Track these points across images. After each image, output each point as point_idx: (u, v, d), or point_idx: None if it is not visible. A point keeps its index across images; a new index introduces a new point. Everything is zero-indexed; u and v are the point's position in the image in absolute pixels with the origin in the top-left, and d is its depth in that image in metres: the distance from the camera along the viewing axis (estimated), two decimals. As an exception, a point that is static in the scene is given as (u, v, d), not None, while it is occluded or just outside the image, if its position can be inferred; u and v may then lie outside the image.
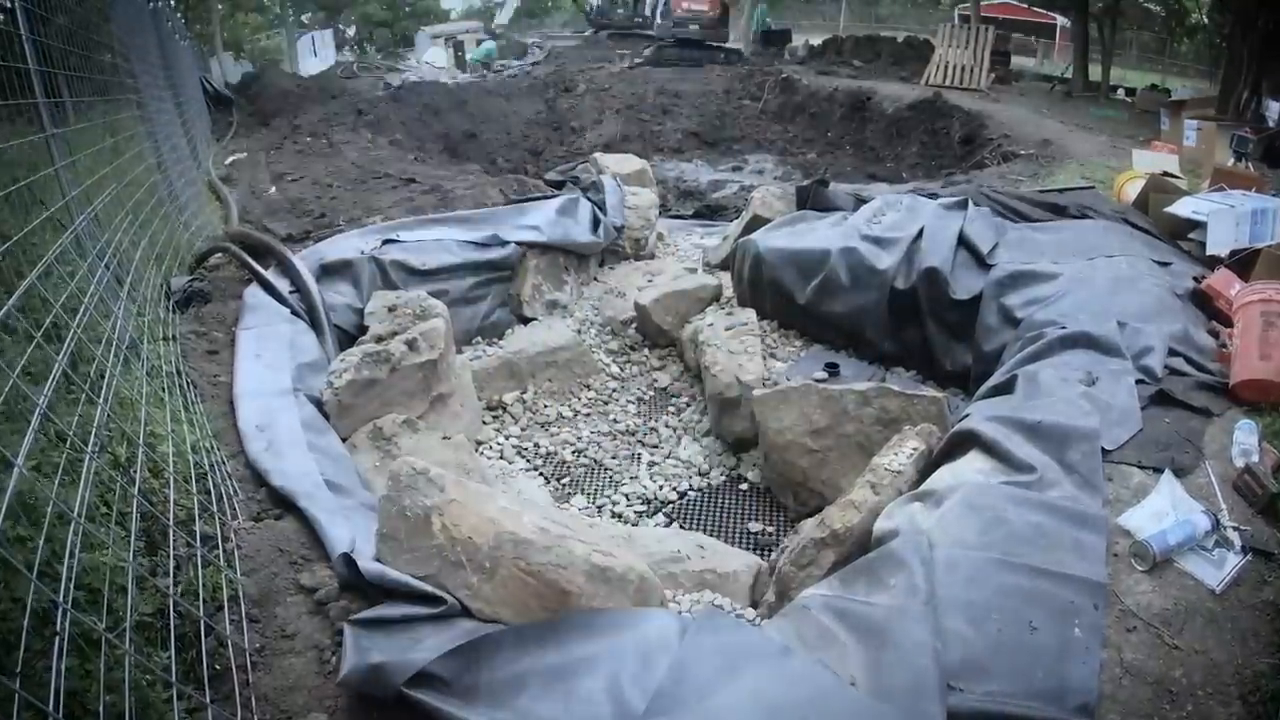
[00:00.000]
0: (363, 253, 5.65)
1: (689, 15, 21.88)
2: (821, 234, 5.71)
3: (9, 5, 3.41)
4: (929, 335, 5.06)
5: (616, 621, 2.43)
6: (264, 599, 2.60)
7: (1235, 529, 2.78)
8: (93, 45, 4.73)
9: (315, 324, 4.85)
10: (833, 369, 4.73)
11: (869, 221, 5.64)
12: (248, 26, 26.46)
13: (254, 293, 4.90)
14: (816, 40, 23.67)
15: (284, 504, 3.08)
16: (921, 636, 2.35)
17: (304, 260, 5.35)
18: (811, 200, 6.54)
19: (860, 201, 6.41)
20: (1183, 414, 3.45)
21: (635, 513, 4.55)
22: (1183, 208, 5.62)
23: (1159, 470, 3.08)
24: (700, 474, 4.84)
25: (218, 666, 2.27)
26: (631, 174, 7.94)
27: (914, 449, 3.59)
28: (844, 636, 2.48)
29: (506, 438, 5.17)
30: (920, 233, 5.27)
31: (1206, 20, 20.94)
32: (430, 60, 28.11)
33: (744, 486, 4.73)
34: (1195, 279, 4.64)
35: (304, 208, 7.56)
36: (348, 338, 4.95)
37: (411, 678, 2.18)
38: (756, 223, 6.51)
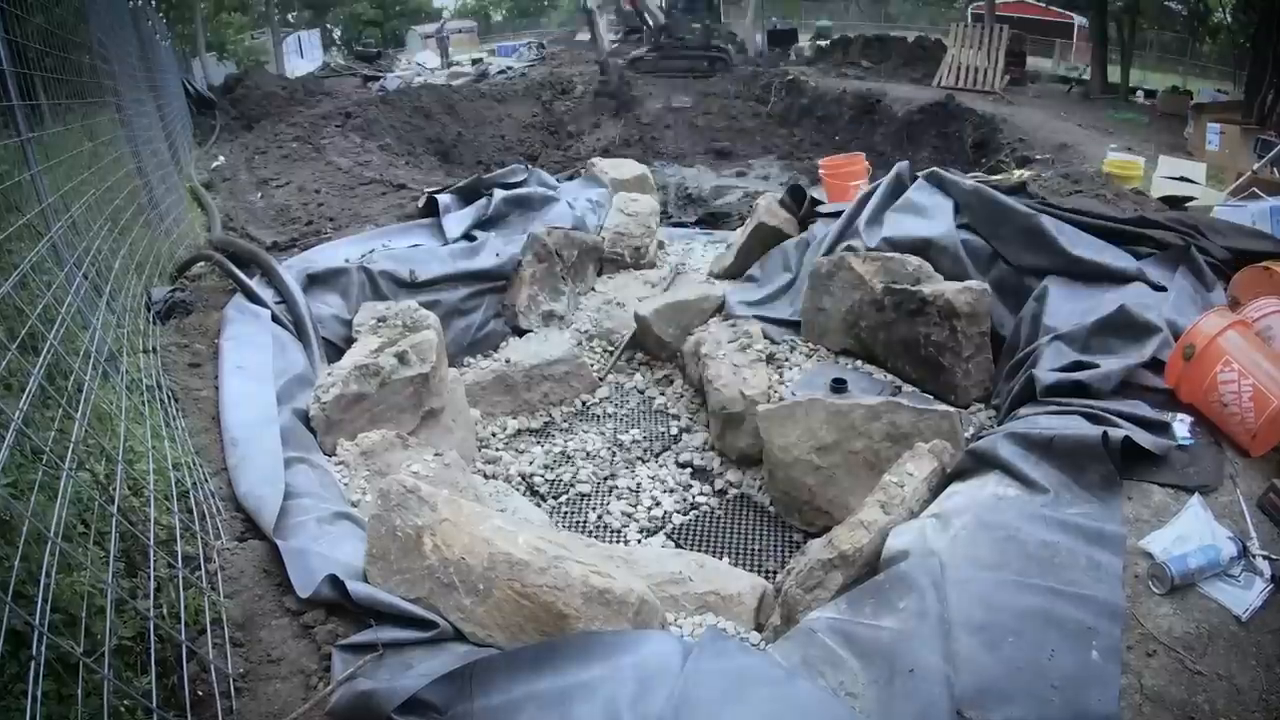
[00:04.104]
0: (348, 261, 5.68)
1: None
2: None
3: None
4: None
5: (615, 645, 2.44)
6: (248, 622, 2.61)
7: (1265, 558, 2.78)
8: (70, 46, 4.76)
9: (302, 336, 4.87)
10: (840, 385, 4.74)
11: None
12: (231, 26, 26.54)
13: (238, 303, 4.92)
14: (824, 40, 23.79)
15: (268, 523, 3.09)
16: (932, 661, 2.36)
17: (290, 270, 5.37)
18: (806, 210, 6.61)
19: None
20: (1207, 427, 3.45)
21: (635, 532, 4.55)
22: None
23: (1180, 488, 3.09)
24: (702, 492, 4.85)
25: (200, 692, 2.27)
26: (631, 180, 7.98)
27: (926, 467, 3.60)
28: (852, 661, 2.49)
29: (500, 454, 5.18)
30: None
31: (1230, 20, 21.04)
32: (421, 61, 28.25)
33: (748, 506, 4.74)
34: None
35: (290, 215, 7.61)
36: (335, 350, 4.97)
37: (402, 704, 2.19)
38: (761, 231, 6.54)
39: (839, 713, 2.29)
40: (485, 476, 4.86)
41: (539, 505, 4.71)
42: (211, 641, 2.43)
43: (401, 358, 4.39)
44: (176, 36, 18.25)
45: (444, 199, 6.83)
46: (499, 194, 6.93)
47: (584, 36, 27.61)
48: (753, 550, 4.43)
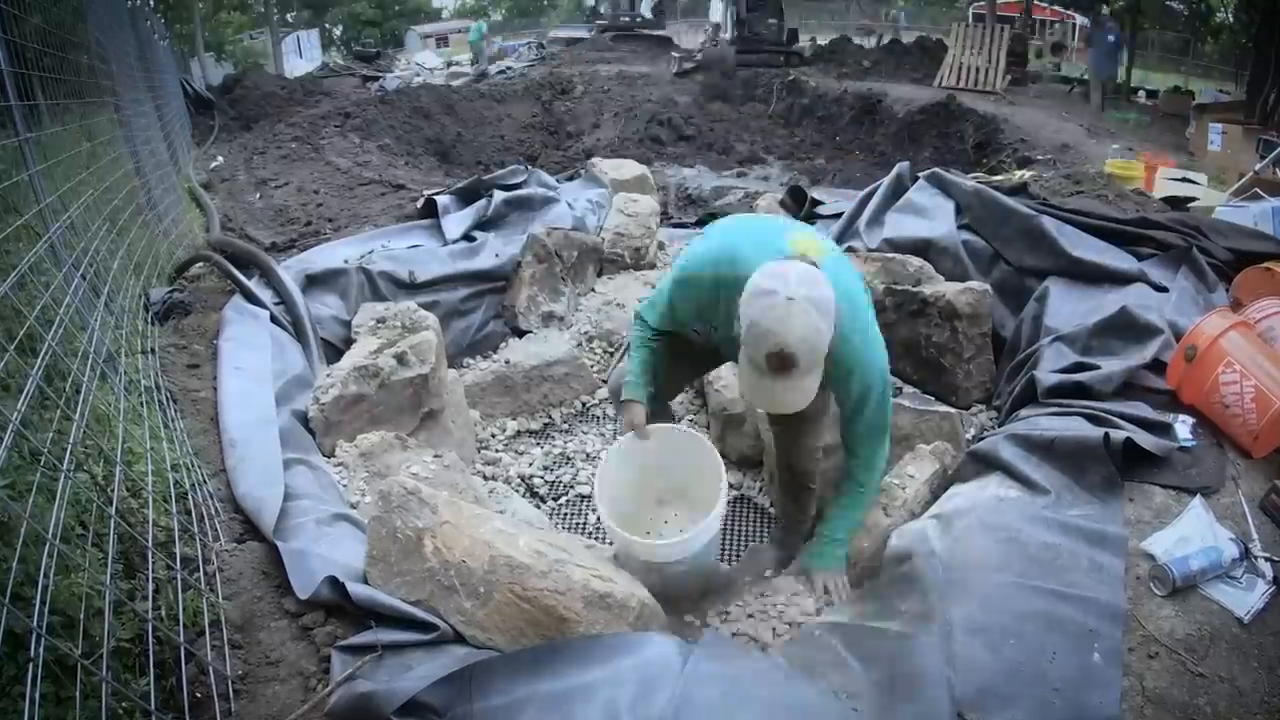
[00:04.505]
0: (347, 262, 5.68)
1: None
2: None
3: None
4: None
5: (615, 647, 2.44)
6: (247, 624, 2.61)
7: (1268, 559, 2.78)
8: (68, 46, 4.77)
9: (300, 337, 4.87)
10: (841, 385, 4.73)
11: None
12: (230, 26, 26.59)
13: (237, 304, 4.91)
14: (824, 40, 23.82)
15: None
16: (933, 663, 2.36)
17: (289, 270, 5.37)
18: (807, 211, 6.62)
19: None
20: (1208, 430, 3.45)
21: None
22: None
23: (1182, 489, 3.09)
24: (703, 494, 4.84)
25: (198, 694, 2.27)
26: (631, 180, 7.98)
27: (927, 468, 3.60)
28: (853, 663, 2.49)
29: (499, 455, 5.17)
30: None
31: (1232, 19, 21.07)
32: (421, 61, 28.30)
33: (748, 508, 4.74)
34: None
35: (289, 215, 7.62)
36: (334, 351, 4.97)
37: (402, 706, 2.19)
38: (762, 231, 6.54)
39: (840, 715, 2.29)
40: (485, 478, 4.86)
41: (539, 507, 4.70)
42: (210, 643, 2.43)
43: (401, 359, 4.39)
44: (175, 36, 18.27)
45: (442, 200, 6.83)
46: (499, 195, 6.93)
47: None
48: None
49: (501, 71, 22.49)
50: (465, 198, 6.97)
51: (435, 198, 6.88)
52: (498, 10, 50.25)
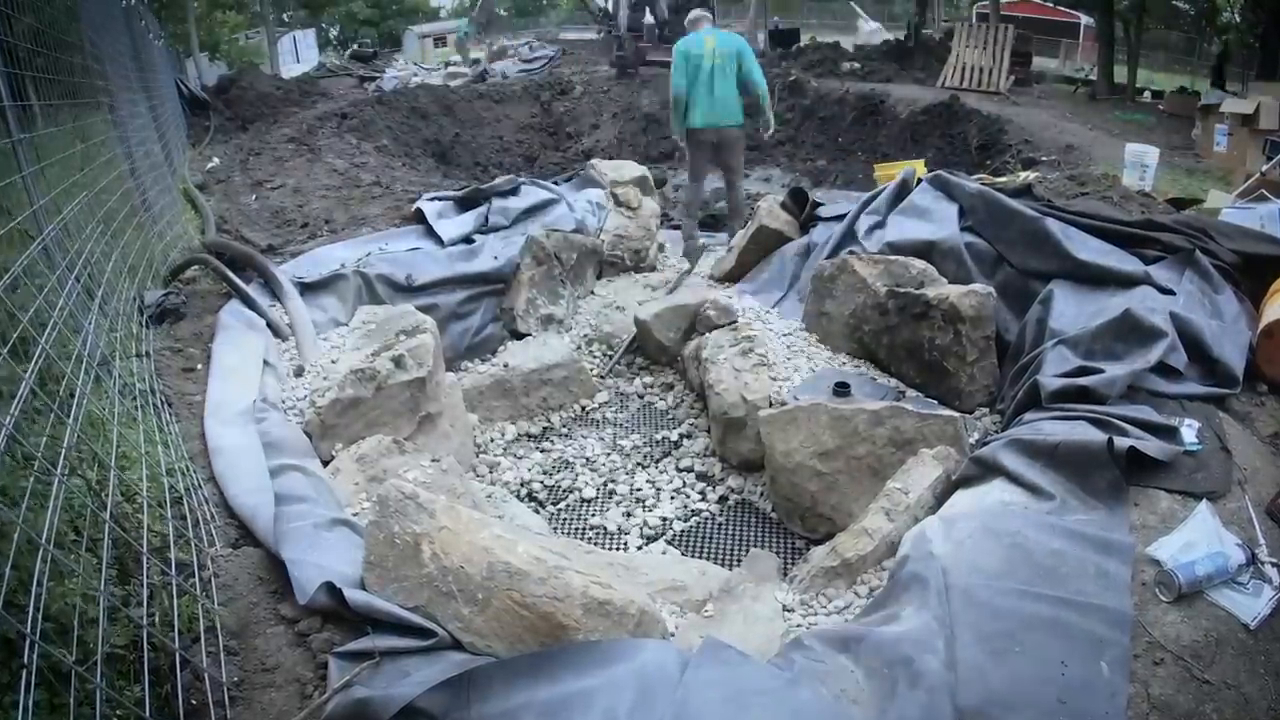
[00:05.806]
0: (344, 265, 5.68)
1: None
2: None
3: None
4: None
5: (613, 654, 2.44)
6: (243, 630, 2.61)
7: (1274, 565, 2.78)
8: (62, 46, 4.77)
9: (297, 340, 4.87)
10: (843, 388, 4.73)
11: None
12: (226, 26, 26.58)
13: (232, 308, 4.93)
14: (827, 40, 23.82)
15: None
16: (936, 670, 2.36)
17: (285, 273, 5.38)
18: (808, 213, 6.63)
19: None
20: (1214, 435, 3.45)
21: (635, 538, 4.55)
22: None
23: (1188, 494, 3.09)
24: (703, 498, 4.85)
25: (194, 701, 2.27)
26: (631, 181, 7.98)
27: (931, 473, 3.60)
28: (855, 670, 2.49)
29: (498, 459, 5.18)
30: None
31: (1239, 19, 21.08)
32: (417, 61, 28.30)
33: (749, 512, 4.74)
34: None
35: (285, 217, 7.62)
36: (331, 355, 4.97)
37: (399, 712, 2.19)
38: (762, 233, 6.54)
39: (842, 722, 2.29)
40: (483, 482, 4.86)
41: (538, 511, 4.70)
42: (205, 650, 2.43)
43: (398, 362, 4.39)
44: (170, 36, 18.27)
45: (435, 207, 6.81)
46: (497, 203, 6.91)
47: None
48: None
49: (504, 74, 22.48)
50: (464, 205, 6.96)
51: (424, 206, 6.84)
52: (498, 9, 50.34)
